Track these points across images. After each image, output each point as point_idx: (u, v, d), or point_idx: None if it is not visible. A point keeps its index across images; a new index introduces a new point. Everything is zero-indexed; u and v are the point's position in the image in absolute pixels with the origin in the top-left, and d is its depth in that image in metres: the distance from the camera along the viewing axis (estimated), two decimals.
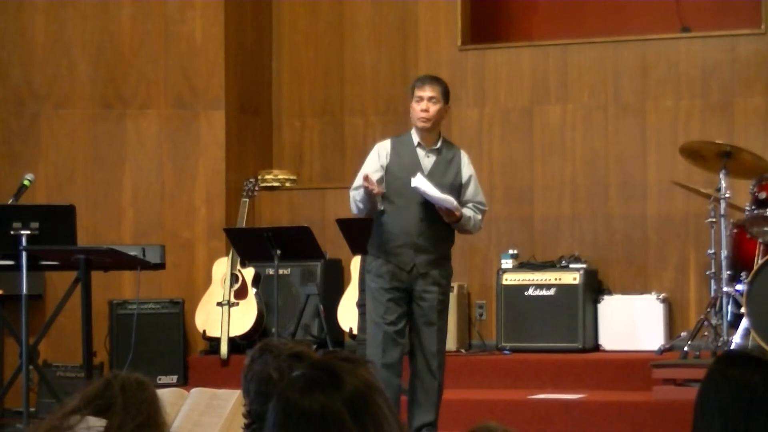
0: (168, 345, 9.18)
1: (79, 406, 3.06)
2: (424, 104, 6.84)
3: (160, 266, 7.88)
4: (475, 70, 9.75)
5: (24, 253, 6.99)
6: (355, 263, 8.94)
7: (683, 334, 8.41)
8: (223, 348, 9.02)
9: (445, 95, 6.92)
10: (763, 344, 7.40)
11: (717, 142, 8.02)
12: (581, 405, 7.69)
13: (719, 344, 7.72)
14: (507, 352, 8.92)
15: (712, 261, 8.07)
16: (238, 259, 9.14)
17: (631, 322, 8.97)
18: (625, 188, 9.40)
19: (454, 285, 9.26)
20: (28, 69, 9.60)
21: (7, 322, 8.11)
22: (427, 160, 6.88)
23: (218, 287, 9.22)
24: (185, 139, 9.66)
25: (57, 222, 7.28)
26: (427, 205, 6.75)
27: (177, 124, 9.68)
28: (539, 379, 8.37)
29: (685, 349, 7.84)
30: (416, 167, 6.82)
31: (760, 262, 7.66)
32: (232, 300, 9.16)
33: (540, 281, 9.04)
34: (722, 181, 7.84)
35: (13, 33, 9.61)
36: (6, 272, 7.60)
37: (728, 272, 7.85)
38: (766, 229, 7.74)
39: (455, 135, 9.72)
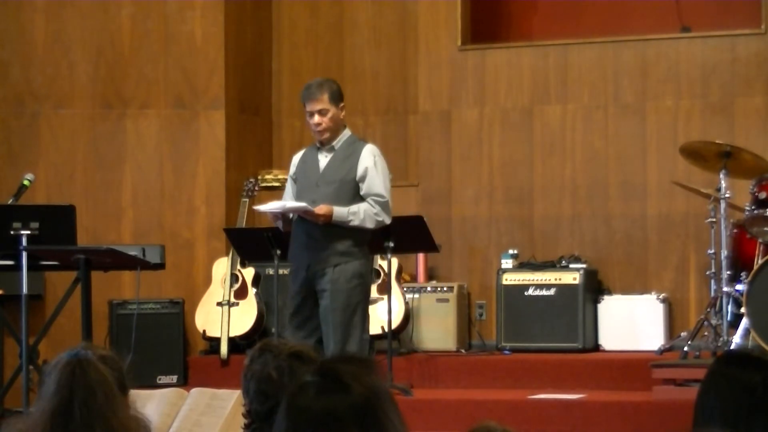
0: (168, 345, 9.17)
1: (43, 429, 3.02)
2: (316, 118, 6.92)
3: (160, 266, 7.89)
4: (475, 70, 9.74)
5: (24, 253, 7.00)
6: None
7: (683, 334, 8.40)
8: (223, 348, 9.01)
9: (334, 98, 6.93)
10: (763, 344, 7.39)
11: (717, 142, 8.02)
12: (581, 405, 7.68)
13: (719, 344, 7.71)
14: (507, 352, 8.92)
15: (712, 261, 8.07)
16: (238, 259, 9.13)
17: (631, 322, 8.97)
18: (625, 188, 9.39)
19: (454, 285, 9.28)
20: (28, 69, 9.60)
21: (7, 322, 8.11)
22: (324, 160, 6.99)
23: (218, 287, 9.22)
24: (185, 139, 9.66)
25: (57, 222, 7.28)
26: (318, 203, 6.81)
27: (177, 124, 9.67)
28: (539, 379, 8.37)
29: (685, 349, 7.83)
30: (314, 169, 6.96)
31: (760, 262, 7.66)
32: (232, 300, 9.16)
33: (540, 281, 9.04)
34: (722, 181, 7.83)
35: (13, 33, 9.61)
36: (6, 272, 7.60)
37: (728, 272, 7.84)
38: (766, 229, 7.74)
39: (455, 135, 9.73)
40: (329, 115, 6.91)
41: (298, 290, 6.92)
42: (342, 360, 2.44)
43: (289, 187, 7.11)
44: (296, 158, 7.14)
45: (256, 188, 9.30)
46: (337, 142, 6.98)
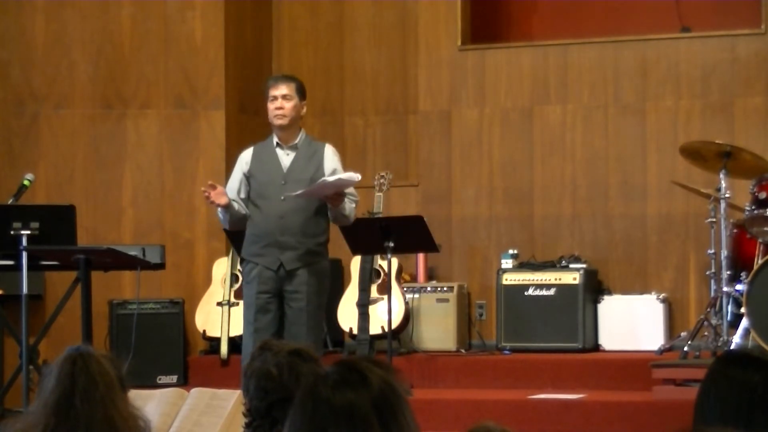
0: (168, 345, 9.17)
1: (46, 423, 3.04)
2: (278, 102, 6.92)
3: (160, 266, 7.89)
4: (475, 70, 9.75)
5: (24, 253, 6.99)
6: (355, 263, 8.94)
7: (683, 334, 8.41)
8: (223, 348, 9.01)
9: (300, 92, 6.98)
10: (763, 344, 7.40)
11: (717, 142, 8.03)
12: (581, 405, 7.69)
13: (719, 344, 7.72)
14: (507, 352, 8.92)
15: (712, 261, 8.07)
16: (238, 259, 9.13)
17: (631, 322, 8.97)
18: (625, 188, 9.39)
19: (454, 285, 9.27)
20: (28, 69, 9.60)
21: (7, 322, 8.11)
22: (286, 158, 6.94)
23: (218, 287, 9.22)
24: (185, 139, 9.66)
25: (57, 222, 7.28)
26: (289, 202, 6.79)
27: (177, 124, 9.67)
28: (539, 379, 8.37)
29: (685, 349, 7.83)
30: (276, 166, 6.90)
31: (760, 262, 7.66)
32: (232, 300, 9.16)
33: (540, 281, 9.04)
34: (722, 181, 7.84)
35: (13, 33, 9.61)
36: (6, 272, 7.60)
37: (728, 272, 7.85)
38: (766, 229, 7.74)
39: (455, 135, 9.74)
40: (292, 103, 6.92)
41: (263, 290, 6.83)
42: (366, 359, 2.46)
43: (236, 183, 6.96)
44: (247, 155, 7.04)
45: None
46: (299, 141, 6.97)
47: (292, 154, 6.94)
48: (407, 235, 7.89)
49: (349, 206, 6.89)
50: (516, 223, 9.59)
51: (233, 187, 6.97)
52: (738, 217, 8.12)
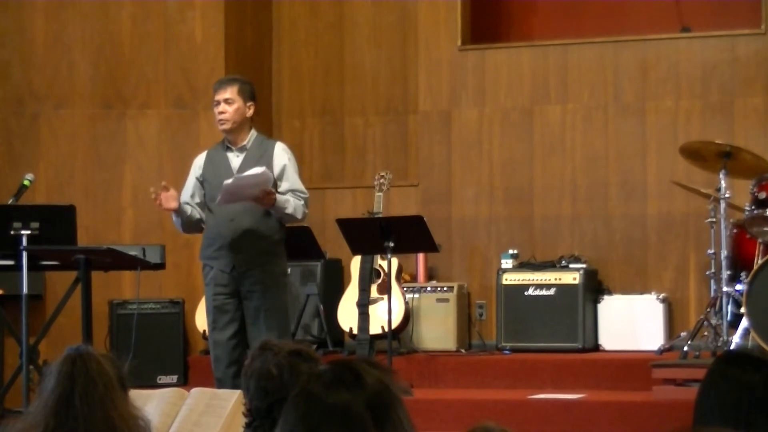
0: (168, 345, 9.17)
1: (46, 423, 3.04)
2: (220, 107, 6.94)
3: (160, 266, 7.89)
4: (475, 70, 9.75)
5: (24, 253, 7.00)
6: (355, 263, 8.94)
7: (683, 334, 8.41)
8: None
9: (244, 93, 6.95)
10: (763, 344, 7.40)
11: (717, 142, 8.03)
12: (581, 405, 7.69)
13: (719, 344, 7.72)
14: (507, 352, 8.92)
15: (712, 261, 8.08)
16: None
17: (631, 322, 8.97)
18: (625, 188, 9.39)
19: (454, 285, 9.27)
20: (28, 69, 9.60)
21: (7, 322, 8.11)
22: (236, 160, 6.92)
23: None
24: (185, 139, 9.66)
25: (57, 222, 7.29)
26: (239, 204, 6.76)
27: (177, 124, 9.67)
28: (539, 379, 8.37)
29: (685, 349, 7.84)
30: (226, 169, 6.87)
31: (760, 262, 7.66)
32: None
33: (540, 281, 9.04)
34: (722, 181, 7.84)
35: (13, 33, 9.61)
36: (6, 272, 7.60)
37: (728, 272, 7.85)
38: (766, 229, 7.74)
39: (455, 135, 9.74)
40: (234, 106, 6.91)
41: (219, 291, 6.86)
42: (362, 359, 2.46)
43: (189, 188, 6.98)
44: (200, 160, 7.06)
45: None
46: (248, 142, 6.95)
47: (241, 156, 6.93)
48: (407, 235, 7.89)
49: (295, 203, 6.81)
50: (516, 223, 9.59)
51: (187, 191, 6.98)
52: (738, 217, 8.12)
